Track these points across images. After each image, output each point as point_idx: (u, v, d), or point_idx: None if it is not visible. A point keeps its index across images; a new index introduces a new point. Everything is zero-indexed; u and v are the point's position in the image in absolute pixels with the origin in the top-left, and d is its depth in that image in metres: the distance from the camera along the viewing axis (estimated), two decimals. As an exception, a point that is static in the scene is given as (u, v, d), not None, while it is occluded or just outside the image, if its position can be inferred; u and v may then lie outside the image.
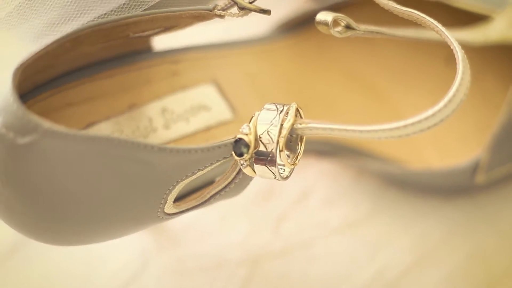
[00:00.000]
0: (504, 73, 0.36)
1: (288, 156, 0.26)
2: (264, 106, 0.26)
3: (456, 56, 0.24)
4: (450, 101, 0.23)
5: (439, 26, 0.25)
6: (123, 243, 0.36)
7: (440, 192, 0.36)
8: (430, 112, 0.23)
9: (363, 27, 0.31)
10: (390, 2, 0.29)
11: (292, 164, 0.26)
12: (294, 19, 0.38)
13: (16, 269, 0.36)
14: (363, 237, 0.36)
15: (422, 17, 0.26)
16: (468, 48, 0.32)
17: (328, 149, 0.36)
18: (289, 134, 0.25)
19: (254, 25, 0.38)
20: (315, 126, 0.25)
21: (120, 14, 0.27)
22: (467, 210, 0.36)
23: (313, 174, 0.38)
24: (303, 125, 0.25)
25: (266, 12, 0.28)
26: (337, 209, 0.37)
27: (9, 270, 0.36)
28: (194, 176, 0.26)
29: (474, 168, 0.34)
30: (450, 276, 0.34)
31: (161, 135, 0.33)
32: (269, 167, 0.26)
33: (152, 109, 0.34)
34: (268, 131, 0.25)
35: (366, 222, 0.36)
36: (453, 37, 0.25)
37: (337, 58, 0.39)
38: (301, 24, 0.38)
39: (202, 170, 0.26)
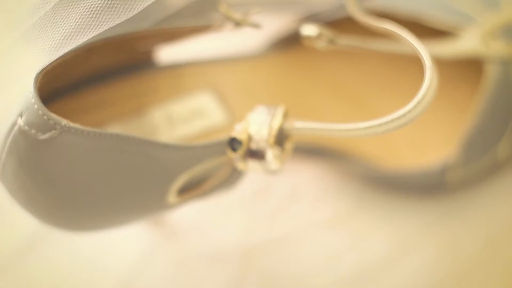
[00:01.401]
0: (473, 83, 0.36)
1: (277, 153, 0.27)
2: (256, 108, 0.27)
3: (424, 64, 0.24)
4: (419, 102, 0.24)
5: (408, 38, 0.26)
6: (125, 241, 0.36)
7: (415, 190, 0.36)
8: (401, 112, 0.24)
9: (344, 41, 0.32)
10: (370, 20, 0.30)
11: (281, 160, 0.27)
12: (287, 37, 0.38)
13: (24, 271, 0.36)
14: (347, 231, 0.36)
15: (395, 31, 0.27)
16: (441, 62, 0.33)
17: (315, 151, 0.36)
18: (277, 133, 0.26)
19: (252, 42, 0.39)
20: (301, 126, 0.26)
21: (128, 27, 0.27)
22: (440, 206, 0.36)
23: (301, 174, 0.38)
24: (290, 125, 0.26)
25: (258, 27, 0.29)
26: (323, 207, 0.37)
27: (17, 273, 0.36)
28: (194, 170, 0.27)
29: (446, 167, 0.34)
30: (424, 267, 0.34)
31: (164, 137, 0.34)
32: (259, 163, 0.27)
33: (156, 115, 0.34)
34: (259, 130, 0.26)
35: (350, 218, 0.36)
36: (421, 46, 0.25)
37: (325, 71, 0.39)
38: (293, 42, 0.38)
39: (201, 164, 0.27)
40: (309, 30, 0.31)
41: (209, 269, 0.36)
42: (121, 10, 0.26)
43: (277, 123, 0.26)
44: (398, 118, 0.24)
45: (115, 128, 0.33)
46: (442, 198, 0.36)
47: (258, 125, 0.26)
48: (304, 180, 0.38)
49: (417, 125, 0.36)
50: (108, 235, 0.36)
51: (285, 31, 0.38)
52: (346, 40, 0.32)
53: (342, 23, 0.36)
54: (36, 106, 0.24)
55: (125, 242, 0.36)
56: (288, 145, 0.27)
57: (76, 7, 0.26)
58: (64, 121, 0.24)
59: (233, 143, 0.27)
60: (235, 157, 0.27)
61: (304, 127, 0.26)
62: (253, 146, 0.26)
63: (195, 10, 0.29)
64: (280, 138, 0.27)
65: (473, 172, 0.35)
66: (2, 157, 0.25)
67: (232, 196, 0.36)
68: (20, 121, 0.24)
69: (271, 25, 0.38)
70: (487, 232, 0.36)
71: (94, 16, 0.26)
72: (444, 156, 0.34)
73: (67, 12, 0.26)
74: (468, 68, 0.37)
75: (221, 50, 0.37)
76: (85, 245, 0.36)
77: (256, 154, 0.27)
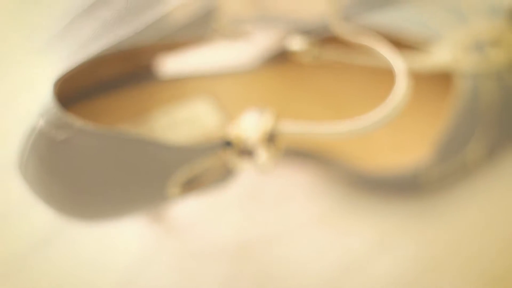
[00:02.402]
0: (447, 92, 0.38)
1: (267, 152, 0.28)
2: (248, 111, 0.29)
3: (395, 71, 0.27)
4: (390, 105, 0.26)
5: (383, 50, 0.28)
6: (125, 240, 0.37)
7: (395, 189, 0.37)
8: (374, 114, 0.26)
9: (328, 56, 0.34)
10: (351, 37, 0.32)
11: (271, 159, 0.29)
12: (279, 52, 0.39)
13: (28, 272, 0.36)
14: (334, 230, 0.37)
15: (372, 45, 0.29)
16: (418, 75, 0.34)
17: (304, 154, 0.38)
18: (268, 133, 0.28)
19: (248, 56, 0.40)
20: (289, 127, 0.28)
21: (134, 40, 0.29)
22: (418, 205, 0.37)
23: (291, 176, 0.39)
24: (279, 126, 0.28)
25: (250, 41, 0.31)
26: (312, 207, 0.38)
27: (21, 274, 0.36)
28: (190, 168, 0.29)
29: (422, 168, 0.35)
30: (402, 262, 0.36)
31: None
32: (250, 161, 0.28)
33: (158, 121, 0.35)
34: (250, 131, 0.28)
35: (336, 217, 0.37)
36: (394, 56, 0.27)
37: (315, 82, 0.40)
38: (285, 56, 0.39)
39: (197, 163, 0.29)
40: (296, 46, 0.33)
41: (206, 265, 0.37)
42: (129, 22, 0.28)
43: (267, 124, 0.28)
44: (373, 119, 0.26)
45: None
46: (419, 198, 0.37)
47: (249, 126, 0.28)
48: (294, 182, 0.39)
49: (396, 130, 0.37)
50: (109, 234, 0.37)
51: (277, 46, 0.39)
52: (330, 55, 0.33)
53: (328, 39, 0.37)
54: (55, 110, 0.26)
55: (125, 241, 0.37)
56: (278, 145, 0.29)
57: (91, 19, 0.28)
58: (80, 123, 0.26)
59: (226, 143, 0.28)
60: (228, 156, 0.29)
61: (292, 127, 0.28)
62: (245, 145, 0.28)
63: (194, 25, 0.31)
64: (271, 138, 0.28)
65: (446, 173, 0.36)
66: (25, 156, 0.27)
67: (227, 196, 0.38)
68: (41, 123, 0.26)
69: (265, 40, 0.39)
70: (461, 231, 0.37)
71: (106, 27, 0.28)
72: (420, 158, 0.35)
73: (82, 23, 0.28)
74: (444, 79, 0.38)
75: (220, 63, 0.38)
76: (87, 245, 0.37)
77: (248, 153, 0.28)
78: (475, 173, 0.37)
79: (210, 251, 0.37)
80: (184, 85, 0.37)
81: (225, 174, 0.30)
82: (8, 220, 0.38)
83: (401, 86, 0.26)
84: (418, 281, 0.36)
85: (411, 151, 0.37)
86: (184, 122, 0.36)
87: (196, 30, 0.31)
